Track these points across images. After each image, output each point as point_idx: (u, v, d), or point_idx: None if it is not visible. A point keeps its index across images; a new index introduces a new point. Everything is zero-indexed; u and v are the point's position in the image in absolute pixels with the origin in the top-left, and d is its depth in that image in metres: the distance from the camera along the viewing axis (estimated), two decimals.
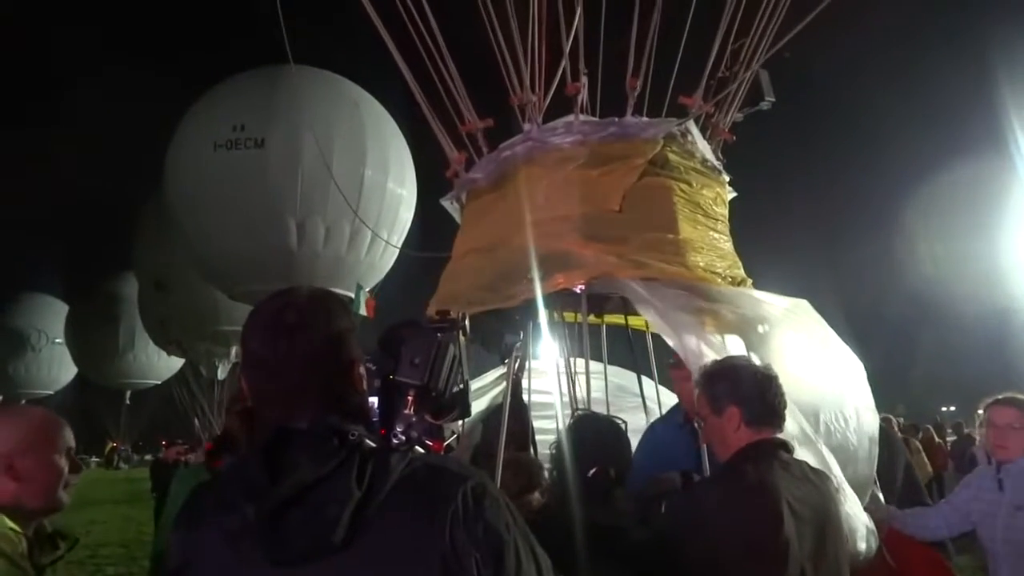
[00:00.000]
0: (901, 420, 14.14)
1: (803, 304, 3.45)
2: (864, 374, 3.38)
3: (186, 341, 17.77)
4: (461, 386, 1.57)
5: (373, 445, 1.35)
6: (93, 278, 23.84)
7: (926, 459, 11.54)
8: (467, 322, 1.64)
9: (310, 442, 1.34)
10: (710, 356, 2.92)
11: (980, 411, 3.68)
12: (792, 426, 2.73)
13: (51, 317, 25.54)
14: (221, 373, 17.87)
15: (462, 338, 4.28)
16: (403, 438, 1.38)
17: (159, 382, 23.00)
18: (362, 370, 1.50)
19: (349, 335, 1.49)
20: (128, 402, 24.27)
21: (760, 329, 3.28)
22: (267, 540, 1.31)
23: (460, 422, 1.71)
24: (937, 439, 14.58)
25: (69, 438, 2.16)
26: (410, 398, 1.48)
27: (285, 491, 1.30)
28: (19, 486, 2.00)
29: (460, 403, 1.58)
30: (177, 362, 20.87)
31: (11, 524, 1.96)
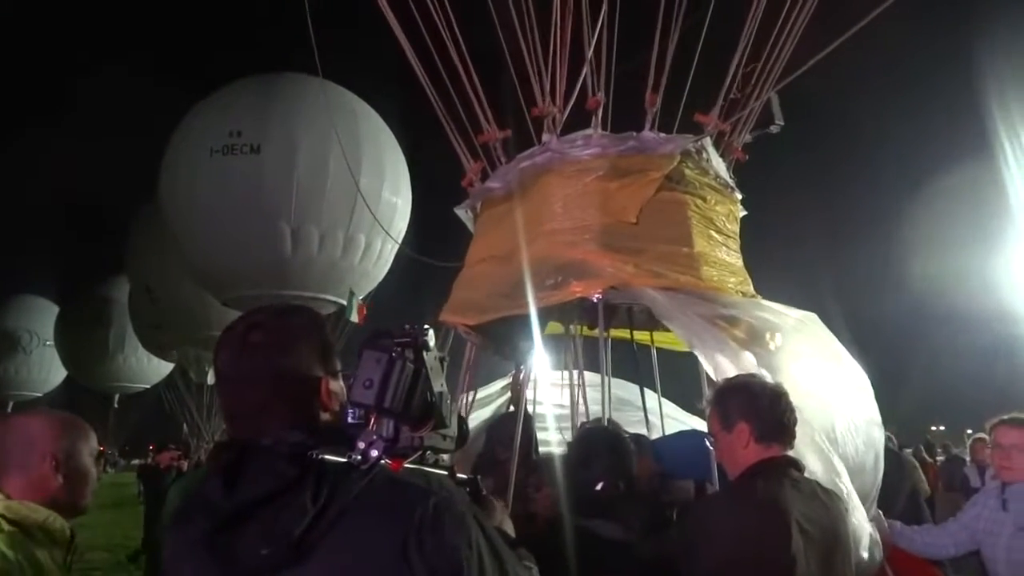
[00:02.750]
0: (893, 439, 14.14)
1: (813, 317, 3.49)
2: (871, 389, 3.41)
3: (176, 346, 17.64)
4: (432, 398, 1.53)
5: (339, 460, 1.34)
6: (85, 281, 23.68)
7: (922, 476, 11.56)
8: (430, 336, 1.59)
9: (269, 459, 1.36)
10: (732, 368, 2.95)
11: (969, 431, 3.70)
12: (804, 437, 2.77)
13: (42, 319, 25.32)
14: (211, 378, 17.74)
15: (473, 345, 4.34)
16: (359, 457, 1.34)
17: (148, 386, 22.82)
18: (335, 386, 1.51)
19: (318, 352, 1.51)
20: (116, 406, 24.07)
21: (772, 343, 3.32)
22: (219, 555, 1.32)
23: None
24: (928, 458, 14.62)
25: (95, 445, 2.20)
26: (372, 419, 1.46)
27: (233, 507, 1.32)
28: (64, 486, 2.04)
29: (435, 414, 1.55)
30: (166, 366, 20.69)
31: (63, 521, 2.00)
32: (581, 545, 2.40)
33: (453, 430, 1.66)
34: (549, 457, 3.45)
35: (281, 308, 1.57)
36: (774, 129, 4.28)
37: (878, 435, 3.33)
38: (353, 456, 1.34)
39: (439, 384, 1.57)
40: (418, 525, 1.31)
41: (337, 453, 1.35)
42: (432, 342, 1.57)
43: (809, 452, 2.81)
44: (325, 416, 1.48)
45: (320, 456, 1.34)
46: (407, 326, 1.55)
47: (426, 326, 1.57)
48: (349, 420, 1.48)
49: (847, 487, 2.89)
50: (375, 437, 1.38)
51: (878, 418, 3.37)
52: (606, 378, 4.40)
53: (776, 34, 4.02)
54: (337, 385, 1.52)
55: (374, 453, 1.35)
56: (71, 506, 2.08)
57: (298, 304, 1.68)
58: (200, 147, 13.11)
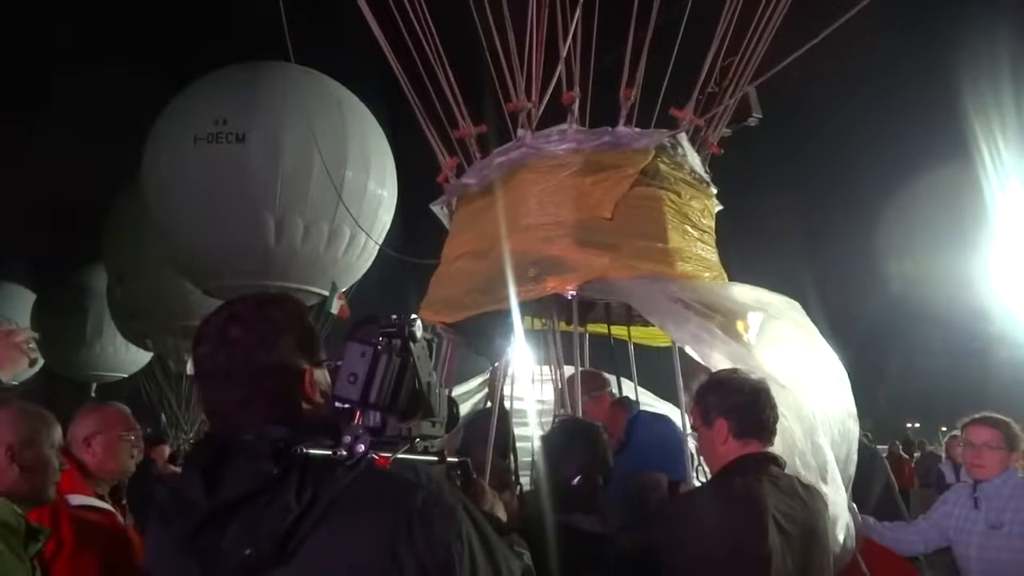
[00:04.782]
0: (869, 435, 14.32)
1: (794, 303, 3.50)
2: (848, 380, 3.43)
3: (152, 335, 17.49)
4: (419, 387, 1.52)
5: (324, 454, 1.31)
6: (63, 268, 23.37)
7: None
8: (418, 327, 1.56)
9: (250, 456, 1.32)
10: (713, 353, 2.97)
11: (943, 428, 3.75)
12: (789, 420, 2.76)
13: (21, 307, 24.97)
14: (190, 368, 17.50)
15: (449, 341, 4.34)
16: (344, 452, 1.31)
17: (126, 376, 22.57)
18: (318, 375, 1.47)
19: (300, 342, 1.46)
20: (94, 395, 23.78)
21: (749, 334, 3.34)
22: (200, 555, 1.29)
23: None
24: (904, 454, 14.83)
25: (59, 436, 2.22)
26: (358, 412, 1.46)
27: (212, 506, 1.29)
28: (21, 475, 2.05)
29: (422, 405, 1.54)
30: (145, 356, 20.43)
31: (16, 508, 1.99)
32: (562, 540, 2.39)
33: (443, 416, 1.64)
34: (504, 466, 3.46)
35: (261, 298, 1.52)
36: (752, 122, 4.29)
37: (854, 427, 3.33)
38: (339, 451, 1.32)
39: (427, 373, 1.55)
40: (407, 520, 1.28)
41: (321, 447, 1.32)
42: (420, 332, 1.54)
43: (795, 426, 2.80)
44: (308, 407, 1.44)
45: (304, 451, 1.30)
46: (394, 317, 1.53)
47: (414, 316, 1.54)
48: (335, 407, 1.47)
49: (830, 460, 2.88)
50: (361, 431, 1.36)
51: (854, 410, 3.38)
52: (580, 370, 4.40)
53: (754, 27, 4.03)
54: (321, 374, 1.48)
55: (360, 448, 1.33)
56: (31, 497, 2.07)
57: (278, 292, 1.62)
58: (184, 135, 12.97)
